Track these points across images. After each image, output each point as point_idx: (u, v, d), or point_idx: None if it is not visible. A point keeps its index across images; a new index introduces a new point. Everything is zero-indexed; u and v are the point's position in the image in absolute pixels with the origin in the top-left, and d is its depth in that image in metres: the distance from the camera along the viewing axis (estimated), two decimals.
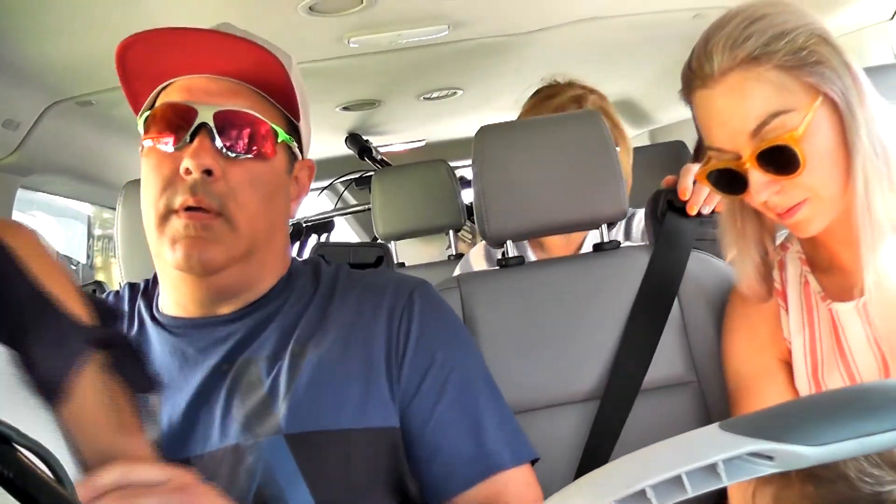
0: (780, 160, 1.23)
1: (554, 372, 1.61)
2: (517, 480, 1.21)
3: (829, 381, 1.36)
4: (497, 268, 1.77)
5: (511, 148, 1.69)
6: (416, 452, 1.20)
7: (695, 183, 1.66)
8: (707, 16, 2.31)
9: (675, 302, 1.63)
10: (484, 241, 2.39)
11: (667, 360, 1.62)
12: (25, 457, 0.54)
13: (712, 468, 0.58)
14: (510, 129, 1.79)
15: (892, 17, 2.20)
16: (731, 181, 1.31)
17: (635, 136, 4.07)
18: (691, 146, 3.10)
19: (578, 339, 1.63)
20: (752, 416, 0.63)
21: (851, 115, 1.23)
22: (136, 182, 1.24)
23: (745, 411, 1.43)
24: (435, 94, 3.12)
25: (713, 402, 1.61)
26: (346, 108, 3.17)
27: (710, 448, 0.59)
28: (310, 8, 1.90)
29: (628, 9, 2.30)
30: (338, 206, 4.41)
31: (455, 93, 3.13)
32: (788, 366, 1.43)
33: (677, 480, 0.58)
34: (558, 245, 2.16)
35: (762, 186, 1.26)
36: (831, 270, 1.35)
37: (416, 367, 1.21)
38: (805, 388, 1.40)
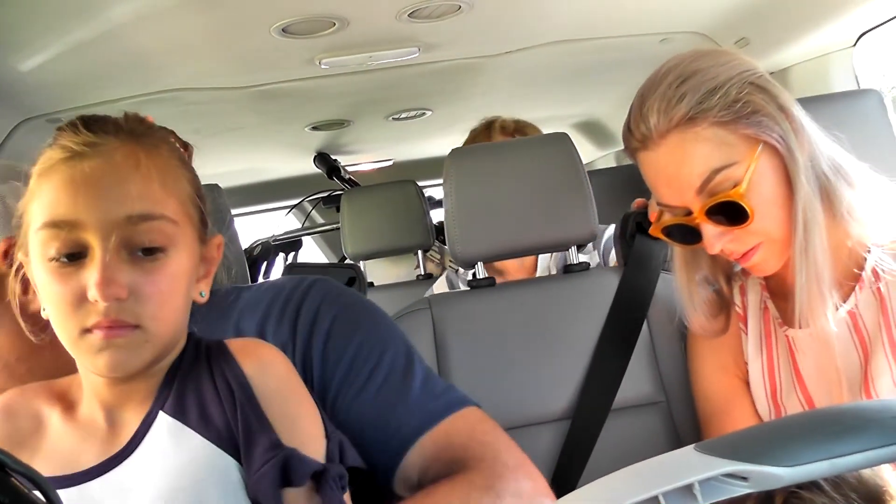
0: (729, 213, 1.26)
1: (525, 392, 1.62)
2: (458, 423, 1.15)
3: (787, 405, 1.39)
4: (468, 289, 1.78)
5: (482, 170, 1.70)
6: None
7: None
8: (674, 40, 2.36)
9: (645, 323, 1.65)
10: (446, 274, 2.41)
11: (636, 381, 1.64)
12: (20, 483, 0.54)
13: (688, 489, 0.59)
14: (481, 152, 1.81)
15: (855, 44, 2.25)
16: (685, 234, 1.34)
17: (601, 157, 4.11)
18: None
19: (549, 360, 1.65)
20: (727, 437, 0.64)
21: (792, 158, 1.25)
22: None
23: (716, 433, 1.45)
24: (404, 115, 3.13)
25: (681, 421, 1.62)
26: (315, 128, 3.17)
27: (686, 469, 0.60)
28: (282, 29, 1.91)
29: (596, 32, 2.33)
30: (305, 226, 4.39)
31: (424, 113, 3.14)
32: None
33: (654, 502, 0.59)
34: (514, 269, 2.19)
35: (715, 238, 1.29)
36: (789, 297, 1.37)
37: (327, 359, 1.15)
38: (764, 410, 1.42)
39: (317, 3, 1.82)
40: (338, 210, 3.31)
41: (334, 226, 3.59)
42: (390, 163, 4.11)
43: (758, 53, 2.36)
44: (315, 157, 3.69)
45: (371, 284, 3.22)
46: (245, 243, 3.36)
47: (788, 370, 1.39)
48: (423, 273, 3.27)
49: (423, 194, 3.12)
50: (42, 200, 0.89)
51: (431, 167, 3.57)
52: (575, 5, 2.10)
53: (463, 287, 2.32)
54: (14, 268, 0.96)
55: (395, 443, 1.12)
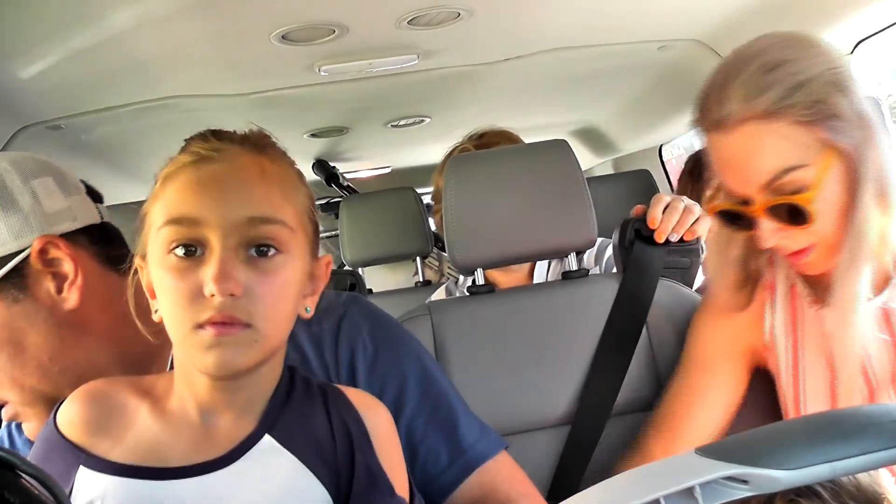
0: (791, 213, 1.25)
1: (525, 397, 1.63)
2: (500, 467, 1.22)
3: (809, 384, 1.39)
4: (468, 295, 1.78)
5: (481, 177, 1.70)
6: None
7: (663, 211, 1.69)
8: (672, 48, 2.37)
9: (644, 329, 1.66)
10: (445, 284, 2.41)
11: (636, 386, 1.64)
12: (30, 483, 0.54)
13: (689, 492, 0.60)
14: (480, 159, 1.81)
15: (853, 52, 2.25)
16: (738, 219, 1.33)
17: (599, 164, 4.11)
18: (654, 175, 3.14)
19: (549, 366, 1.65)
20: (727, 441, 0.65)
21: (862, 167, 1.23)
22: (111, 207, 1.24)
23: (685, 390, 1.51)
24: (402, 122, 3.14)
25: None
26: (314, 135, 3.17)
27: (687, 472, 0.60)
28: (282, 36, 1.91)
29: (594, 39, 2.33)
30: None
31: (422, 120, 3.14)
32: (754, 356, 1.47)
33: None
34: (506, 283, 2.18)
35: (771, 234, 1.27)
36: (820, 277, 1.36)
37: (372, 385, 1.18)
38: (788, 389, 1.42)
39: (317, 10, 1.83)
40: (336, 217, 3.31)
41: (332, 232, 3.60)
42: (389, 170, 4.12)
43: None
44: (314, 164, 3.69)
45: (370, 291, 3.22)
46: None
47: (814, 350, 1.39)
48: (421, 280, 3.28)
49: (421, 201, 3.13)
50: (166, 200, 0.92)
51: (430, 174, 3.57)
52: (573, 13, 2.10)
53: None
54: (131, 272, 0.99)
55: (448, 478, 1.18)
